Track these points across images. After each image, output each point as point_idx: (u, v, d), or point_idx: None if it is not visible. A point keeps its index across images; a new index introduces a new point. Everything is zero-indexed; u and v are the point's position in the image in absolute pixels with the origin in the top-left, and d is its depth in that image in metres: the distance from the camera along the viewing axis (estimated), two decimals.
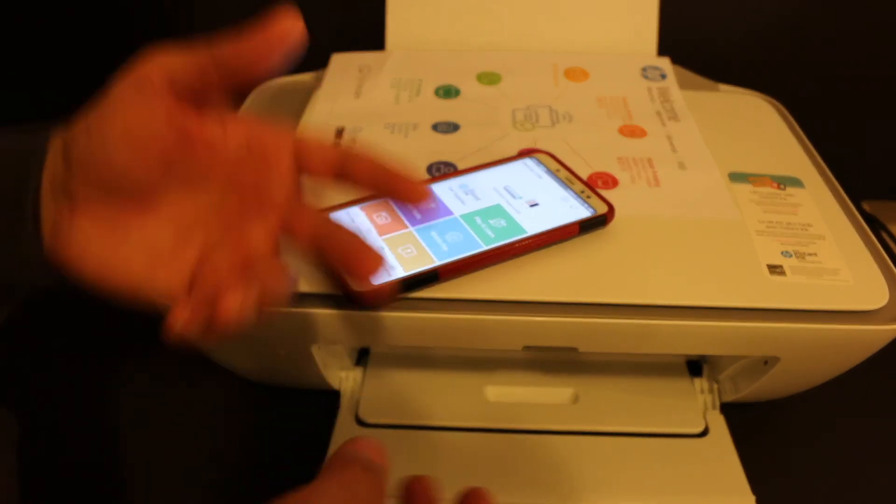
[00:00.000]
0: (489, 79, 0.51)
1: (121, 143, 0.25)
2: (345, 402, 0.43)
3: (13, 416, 0.39)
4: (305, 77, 0.53)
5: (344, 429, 0.41)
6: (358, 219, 0.36)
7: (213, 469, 0.42)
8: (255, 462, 0.42)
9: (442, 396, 0.42)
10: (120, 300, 0.27)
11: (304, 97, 0.49)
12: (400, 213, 0.37)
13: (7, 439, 0.38)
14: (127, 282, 0.27)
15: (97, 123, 0.25)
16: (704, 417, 0.42)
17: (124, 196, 0.26)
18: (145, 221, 0.27)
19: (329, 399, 0.43)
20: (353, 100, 0.48)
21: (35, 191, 0.25)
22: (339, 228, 0.29)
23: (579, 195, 0.38)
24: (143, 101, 0.25)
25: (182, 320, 0.26)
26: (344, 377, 0.44)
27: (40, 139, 0.26)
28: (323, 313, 0.34)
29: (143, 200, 0.27)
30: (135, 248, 0.27)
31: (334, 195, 0.34)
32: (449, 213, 0.37)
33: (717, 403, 0.43)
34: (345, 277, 0.33)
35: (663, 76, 0.52)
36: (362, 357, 0.45)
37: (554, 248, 0.36)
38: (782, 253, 0.36)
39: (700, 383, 0.44)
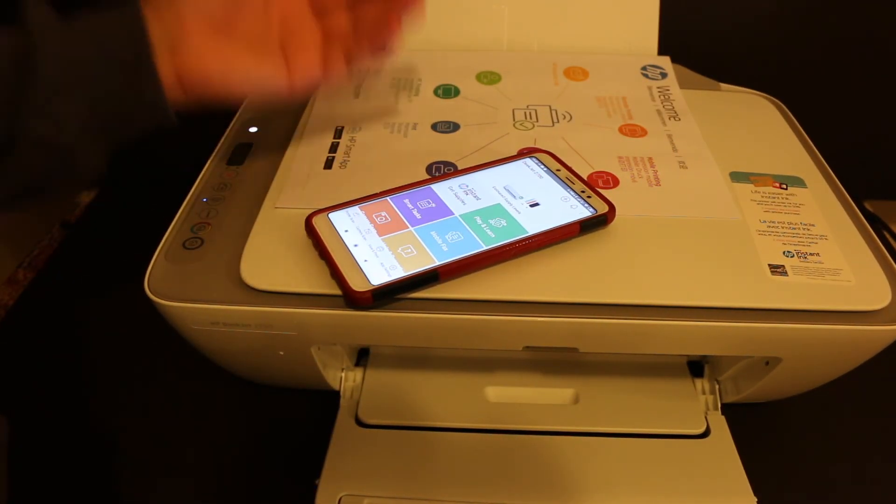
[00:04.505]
0: (489, 78, 0.50)
1: None
2: (344, 403, 0.42)
3: (5, 417, 0.39)
4: None
5: (344, 429, 0.41)
6: (358, 219, 0.36)
7: (213, 469, 0.41)
8: (255, 462, 0.42)
9: (442, 397, 0.42)
10: (246, 93, 0.35)
11: (303, 97, 0.49)
12: (400, 213, 0.37)
13: (0, 440, 0.38)
14: (243, 69, 0.35)
15: None
16: (706, 418, 0.42)
17: (218, 13, 0.34)
18: (235, 21, 0.35)
19: (329, 399, 0.43)
20: (352, 100, 0.48)
21: (145, 44, 0.31)
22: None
23: (580, 195, 0.38)
24: None
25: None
26: (343, 377, 0.44)
27: (130, 11, 0.32)
28: (323, 313, 0.34)
29: (229, 15, 0.35)
30: (237, 42, 0.35)
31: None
32: (449, 213, 0.37)
33: (719, 404, 0.43)
34: (345, 277, 0.33)
35: (664, 75, 0.51)
36: (362, 357, 0.45)
37: (554, 248, 0.36)
38: (784, 253, 0.36)
39: (701, 384, 0.44)
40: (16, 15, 0.30)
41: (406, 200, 0.37)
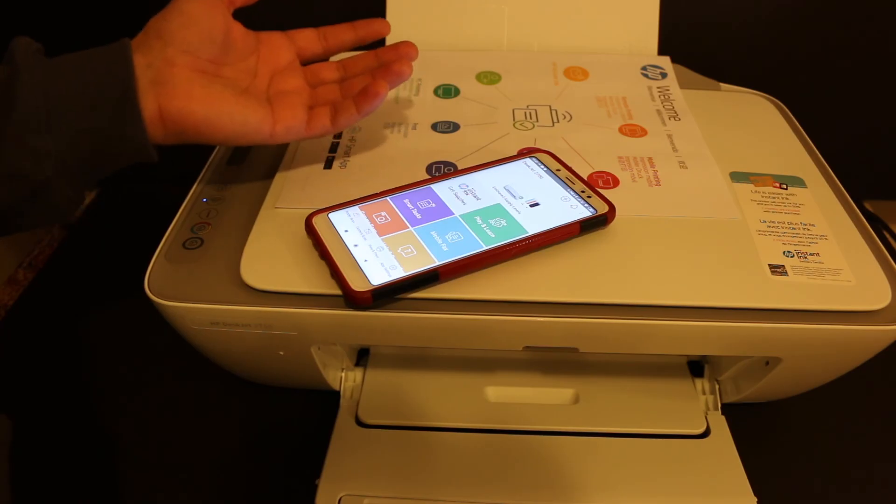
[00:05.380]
0: (489, 78, 0.50)
1: (201, 19, 0.36)
2: (344, 403, 0.42)
3: (7, 417, 0.39)
4: None
5: (344, 429, 0.41)
6: (358, 219, 0.36)
7: (213, 469, 0.41)
8: (254, 462, 0.42)
9: (442, 397, 0.42)
10: (226, 134, 0.35)
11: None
12: (400, 213, 0.37)
13: (2, 439, 0.38)
14: (227, 111, 0.35)
15: (187, 8, 0.35)
16: (706, 418, 0.42)
17: (203, 57, 0.36)
18: (222, 72, 0.37)
19: (329, 399, 0.43)
20: None
21: (131, 81, 0.32)
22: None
23: (580, 195, 0.38)
24: (213, 2, 0.36)
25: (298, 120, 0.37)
26: (343, 377, 0.44)
27: (116, 47, 0.33)
28: (323, 313, 0.34)
29: (215, 61, 0.37)
30: (223, 85, 0.36)
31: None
32: (449, 212, 0.37)
33: (719, 404, 0.43)
34: (345, 277, 0.33)
35: (664, 75, 0.51)
36: (362, 357, 0.45)
37: (554, 248, 0.36)
38: (784, 253, 0.36)
39: (701, 384, 0.44)
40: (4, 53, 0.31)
41: (406, 200, 0.37)
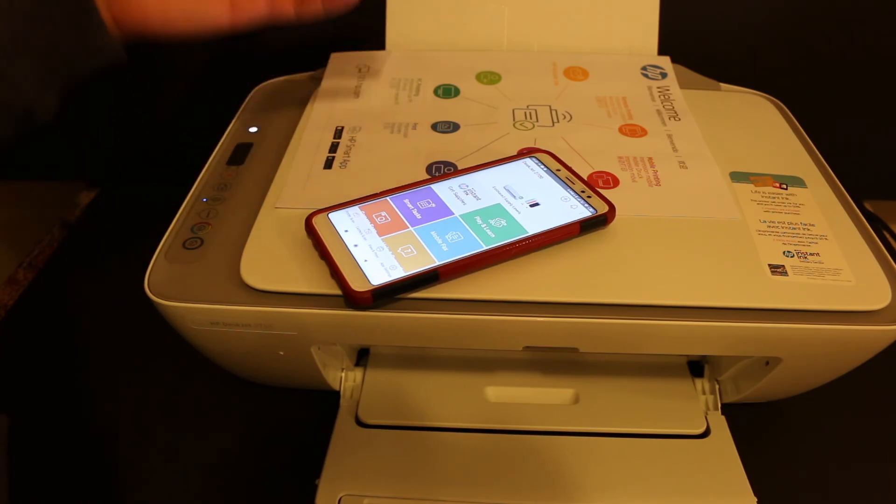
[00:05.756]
0: (489, 78, 0.50)
1: None
2: (344, 403, 0.42)
3: (6, 417, 0.39)
4: (304, 77, 0.53)
5: (343, 429, 0.41)
6: (358, 219, 0.36)
7: (212, 469, 0.41)
8: (255, 462, 0.42)
9: (442, 397, 0.42)
10: (185, 31, 0.35)
11: (303, 97, 0.49)
12: (400, 213, 0.37)
13: (1, 439, 0.38)
14: (180, 7, 0.34)
15: None
16: (706, 418, 0.42)
17: None
18: None
19: (329, 399, 0.43)
20: (352, 99, 0.48)
21: None
22: None
23: (580, 195, 0.38)
24: None
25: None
26: (343, 377, 0.44)
27: None
28: (323, 313, 0.34)
29: None
30: None
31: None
32: (449, 212, 0.37)
33: (719, 404, 0.43)
34: (345, 277, 0.33)
35: (664, 75, 0.51)
36: (362, 357, 0.45)
37: (554, 248, 0.36)
38: (784, 253, 0.36)
39: (701, 384, 0.44)
40: None
41: (406, 200, 0.37)
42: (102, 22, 0.32)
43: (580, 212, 0.37)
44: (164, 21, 0.34)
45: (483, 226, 0.36)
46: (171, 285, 0.35)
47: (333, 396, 0.43)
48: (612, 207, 0.37)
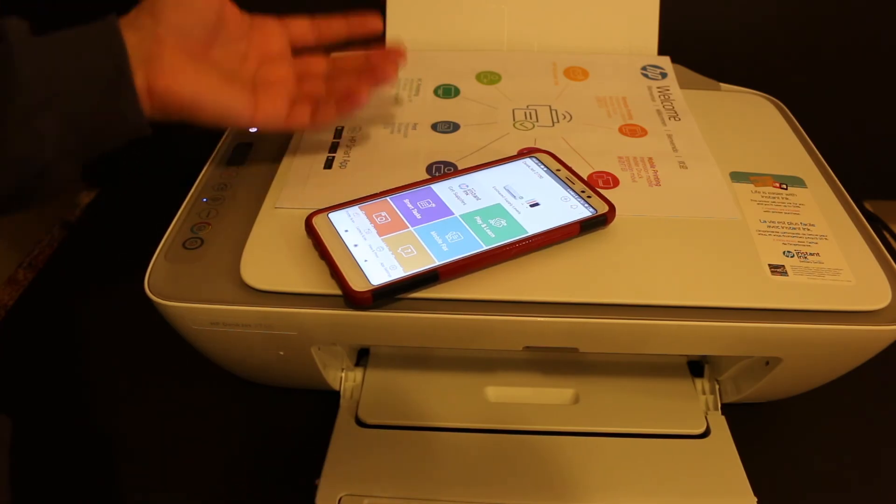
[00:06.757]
0: (489, 78, 0.50)
1: (196, 1, 0.36)
2: (344, 403, 0.42)
3: (7, 417, 0.39)
4: None
5: (344, 429, 0.41)
6: (358, 219, 0.36)
7: (212, 469, 0.41)
8: (254, 462, 0.42)
9: (442, 397, 0.42)
10: (208, 117, 0.35)
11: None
12: (400, 213, 0.37)
13: (2, 439, 0.38)
14: (211, 95, 0.35)
15: None
16: (706, 418, 0.42)
17: (194, 38, 0.36)
18: (211, 54, 0.37)
19: (329, 399, 0.43)
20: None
21: (124, 57, 0.32)
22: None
23: (580, 195, 0.38)
24: None
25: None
26: (343, 377, 0.43)
27: (106, 26, 0.33)
28: (323, 313, 0.34)
29: (206, 43, 0.37)
30: (210, 68, 0.36)
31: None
32: (449, 212, 0.37)
33: (719, 404, 0.43)
34: (345, 277, 0.33)
35: (664, 75, 0.51)
36: (362, 357, 0.45)
37: (554, 248, 0.36)
38: (784, 253, 0.36)
39: (701, 384, 0.44)
40: None
41: (406, 200, 0.37)
42: (136, 93, 0.32)
43: (580, 212, 0.37)
44: (194, 103, 0.34)
45: (483, 226, 0.36)
46: (171, 285, 0.35)
47: (333, 396, 0.43)
48: (612, 207, 0.37)
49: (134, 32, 0.33)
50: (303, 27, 0.42)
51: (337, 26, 0.42)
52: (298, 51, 0.42)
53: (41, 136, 0.31)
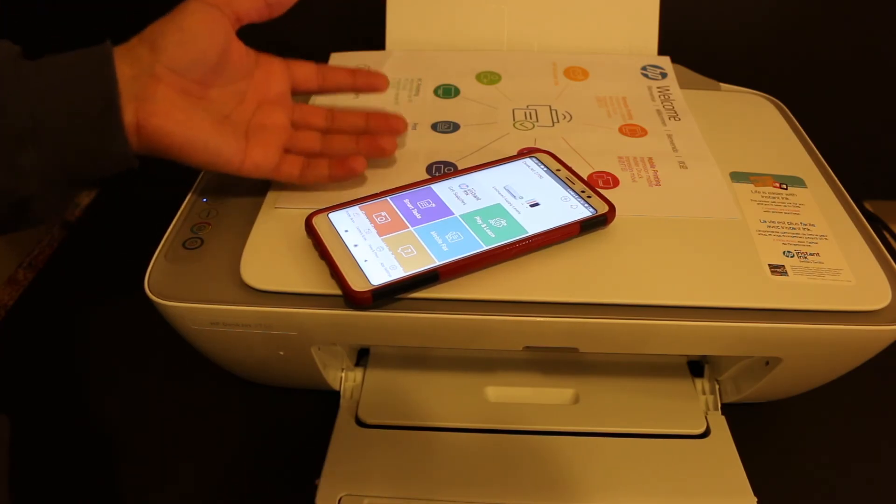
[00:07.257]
0: (489, 78, 0.50)
1: (199, 38, 0.34)
2: (344, 403, 0.42)
3: (6, 417, 0.39)
4: None
5: (344, 429, 0.41)
6: (358, 219, 0.36)
7: (212, 469, 0.41)
8: (254, 462, 0.42)
9: (442, 397, 0.42)
10: (197, 161, 0.35)
11: (302, 96, 0.49)
12: (400, 213, 0.37)
13: (1, 439, 0.38)
14: (202, 139, 0.34)
15: (187, 23, 0.34)
16: (706, 418, 0.42)
17: (192, 77, 0.35)
18: (208, 94, 0.36)
19: (329, 399, 0.43)
20: (352, 99, 0.48)
21: (114, 92, 0.31)
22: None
23: (580, 195, 0.38)
24: (217, 18, 0.35)
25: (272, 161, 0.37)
26: (343, 377, 0.44)
27: (99, 56, 0.32)
28: (323, 313, 0.34)
29: (204, 82, 0.35)
30: (205, 110, 0.35)
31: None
32: (449, 212, 0.37)
33: (719, 404, 0.43)
34: (345, 277, 0.33)
35: (664, 75, 0.51)
36: (362, 357, 0.45)
37: (554, 248, 0.36)
38: (784, 253, 0.36)
39: (701, 384, 0.44)
40: None
41: (406, 200, 0.37)
42: (124, 129, 0.31)
43: (580, 212, 0.37)
44: (183, 146, 0.34)
45: (483, 226, 0.36)
46: (170, 285, 0.35)
47: (333, 396, 0.43)
48: (612, 207, 0.37)
49: (129, 65, 0.32)
50: (308, 72, 0.40)
51: (342, 78, 0.41)
52: (299, 95, 0.41)
53: (24, 168, 0.30)
